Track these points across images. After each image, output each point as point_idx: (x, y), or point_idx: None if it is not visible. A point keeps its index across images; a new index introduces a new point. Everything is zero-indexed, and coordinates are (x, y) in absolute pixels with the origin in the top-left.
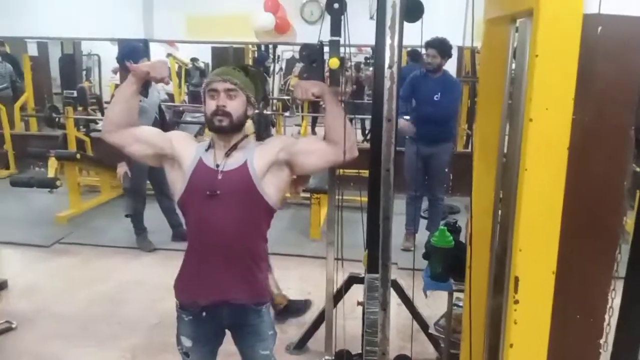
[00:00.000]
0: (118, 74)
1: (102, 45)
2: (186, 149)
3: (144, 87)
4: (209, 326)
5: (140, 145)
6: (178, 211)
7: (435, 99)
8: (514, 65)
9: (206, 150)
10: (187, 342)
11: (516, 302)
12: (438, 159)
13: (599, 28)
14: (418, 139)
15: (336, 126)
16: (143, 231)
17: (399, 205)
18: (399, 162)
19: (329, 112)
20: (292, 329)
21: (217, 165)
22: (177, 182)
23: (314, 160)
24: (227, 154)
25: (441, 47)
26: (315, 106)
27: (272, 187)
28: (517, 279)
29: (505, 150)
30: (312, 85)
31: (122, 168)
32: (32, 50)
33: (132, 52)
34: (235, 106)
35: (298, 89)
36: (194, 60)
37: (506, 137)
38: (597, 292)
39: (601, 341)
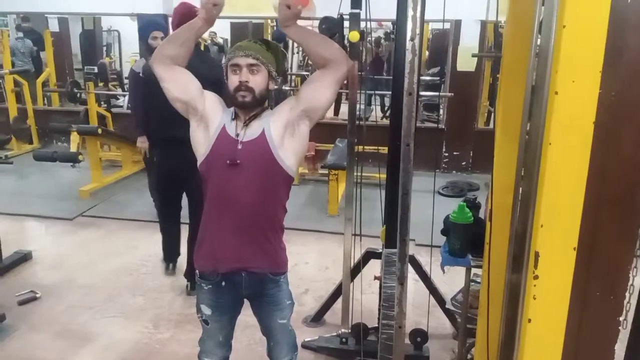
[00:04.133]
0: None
1: (122, 21)
2: (215, 113)
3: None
4: (227, 295)
5: (177, 86)
6: None
7: None
8: (539, 41)
9: (232, 119)
10: (206, 310)
11: (536, 277)
12: None
13: None
14: None
15: (319, 46)
16: None
17: (417, 182)
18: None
19: (305, 41)
20: (310, 302)
21: (237, 135)
22: (201, 146)
23: (323, 93)
24: (246, 124)
25: None
26: None
27: (290, 154)
28: (537, 254)
29: (528, 127)
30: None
31: (143, 143)
32: (53, 26)
33: (151, 23)
34: (257, 81)
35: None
36: (212, 35)
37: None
38: (618, 269)
39: (621, 319)
